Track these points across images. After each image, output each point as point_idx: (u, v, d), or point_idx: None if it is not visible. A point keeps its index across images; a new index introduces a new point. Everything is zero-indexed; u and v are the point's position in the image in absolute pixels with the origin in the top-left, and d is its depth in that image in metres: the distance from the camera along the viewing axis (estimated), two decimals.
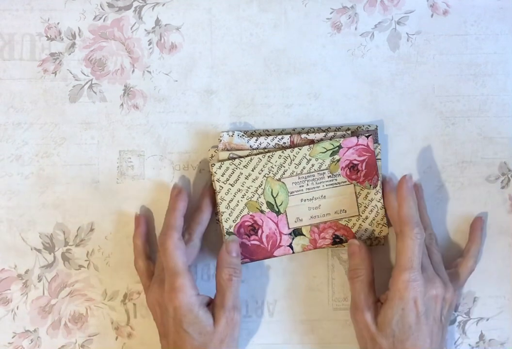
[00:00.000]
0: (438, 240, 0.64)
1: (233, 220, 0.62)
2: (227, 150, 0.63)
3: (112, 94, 0.65)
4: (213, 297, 0.60)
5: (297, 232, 0.62)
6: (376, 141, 0.64)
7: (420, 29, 0.65)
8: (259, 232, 0.62)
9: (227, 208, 0.62)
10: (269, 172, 0.62)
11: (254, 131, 0.64)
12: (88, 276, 0.65)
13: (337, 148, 0.62)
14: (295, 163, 0.62)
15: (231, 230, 0.62)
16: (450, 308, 0.60)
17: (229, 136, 0.63)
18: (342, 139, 0.62)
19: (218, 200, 0.62)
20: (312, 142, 0.63)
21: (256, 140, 0.63)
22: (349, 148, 0.62)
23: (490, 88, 0.65)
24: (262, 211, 0.62)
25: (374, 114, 0.65)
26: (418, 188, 0.64)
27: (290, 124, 0.65)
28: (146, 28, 0.65)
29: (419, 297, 0.56)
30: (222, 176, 0.62)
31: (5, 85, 0.65)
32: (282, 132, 0.65)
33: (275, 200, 0.62)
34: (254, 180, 0.62)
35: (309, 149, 0.62)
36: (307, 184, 0.62)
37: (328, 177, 0.62)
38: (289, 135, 0.63)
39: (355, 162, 0.62)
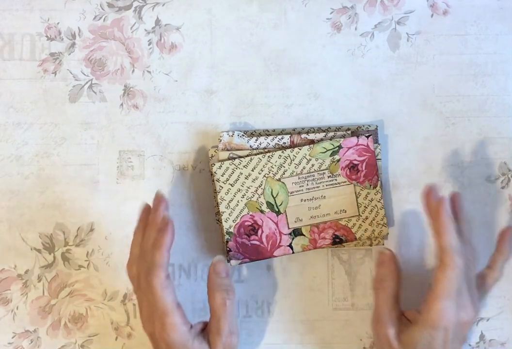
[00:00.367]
0: None
1: (233, 220, 0.62)
2: (227, 150, 0.63)
3: (112, 94, 0.65)
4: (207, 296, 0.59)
5: (297, 232, 0.62)
6: (376, 141, 0.64)
7: (420, 29, 0.65)
8: (259, 232, 0.62)
9: (227, 208, 0.62)
10: (269, 172, 0.62)
11: (254, 131, 0.64)
12: (88, 276, 0.65)
13: (337, 148, 0.62)
14: (295, 163, 0.62)
15: (231, 230, 0.62)
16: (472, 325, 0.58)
17: (229, 136, 0.63)
18: (342, 139, 0.62)
19: (218, 200, 0.62)
20: (312, 142, 0.63)
21: (256, 140, 0.63)
22: (349, 148, 0.62)
23: (490, 88, 0.65)
24: (262, 211, 0.62)
25: (374, 114, 0.65)
26: (456, 198, 0.60)
27: (290, 124, 0.65)
28: (146, 28, 0.65)
29: (450, 327, 0.53)
30: (222, 176, 0.62)
31: (5, 85, 0.65)
32: (282, 132, 0.65)
33: (275, 200, 0.62)
34: (254, 180, 0.62)
35: (309, 149, 0.62)
36: (307, 184, 0.62)
37: (328, 177, 0.62)
38: (289, 135, 0.63)
39: (355, 162, 0.62)
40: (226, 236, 0.62)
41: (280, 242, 0.62)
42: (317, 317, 0.65)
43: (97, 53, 0.65)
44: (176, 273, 0.65)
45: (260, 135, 0.64)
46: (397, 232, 0.65)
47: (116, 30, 0.65)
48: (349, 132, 0.63)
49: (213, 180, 0.63)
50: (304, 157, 0.62)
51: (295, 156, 0.62)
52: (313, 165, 0.62)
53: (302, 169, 0.62)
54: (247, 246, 0.62)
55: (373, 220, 0.63)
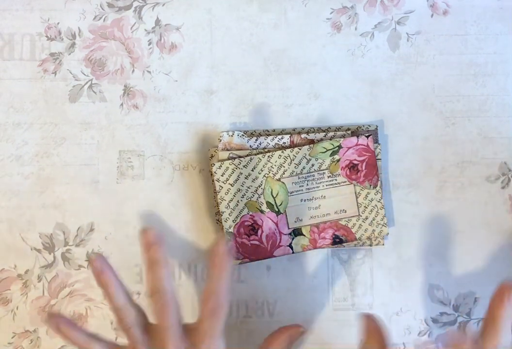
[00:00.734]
0: (438, 240, 0.64)
1: (233, 220, 0.62)
2: (227, 150, 0.63)
3: (112, 94, 0.65)
4: None
5: (297, 232, 0.62)
6: (376, 141, 0.64)
7: (420, 29, 0.65)
8: (259, 232, 0.62)
9: (226, 208, 0.62)
10: (269, 172, 0.62)
11: (254, 131, 0.64)
12: (88, 276, 0.65)
13: (337, 148, 0.62)
14: (295, 163, 0.62)
15: (231, 230, 0.62)
16: None
17: (229, 136, 0.63)
18: (342, 139, 0.62)
19: (218, 200, 0.62)
20: (312, 142, 0.63)
21: (256, 140, 0.63)
22: (349, 148, 0.62)
23: (490, 88, 0.65)
24: (262, 211, 0.62)
25: (374, 114, 0.65)
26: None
27: (290, 124, 0.65)
28: (146, 28, 0.65)
29: None
30: (222, 176, 0.62)
31: (5, 85, 0.65)
32: (282, 132, 0.65)
33: (275, 200, 0.62)
34: (254, 180, 0.62)
35: (309, 149, 0.62)
36: (307, 184, 0.62)
37: (328, 177, 0.62)
38: (289, 135, 0.63)
39: (355, 162, 0.62)
40: (226, 236, 0.62)
41: (280, 242, 0.62)
42: (317, 317, 0.65)
43: (97, 53, 0.65)
44: (176, 273, 0.65)
45: (260, 135, 0.64)
46: (397, 232, 0.65)
47: (116, 30, 0.65)
48: (349, 132, 0.63)
49: (213, 180, 0.63)
50: (304, 157, 0.62)
51: (295, 156, 0.62)
52: (313, 165, 0.62)
53: (302, 169, 0.62)
54: (247, 246, 0.62)
55: (373, 220, 0.63)
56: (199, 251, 0.65)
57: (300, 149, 0.62)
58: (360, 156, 0.62)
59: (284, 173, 0.62)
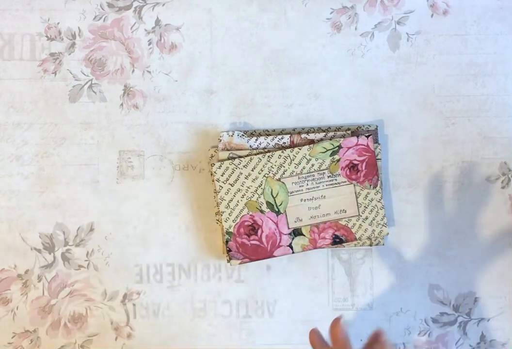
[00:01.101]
0: (438, 240, 0.64)
1: (233, 220, 0.62)
2: (227, 150, 0.63)
3: (112, 94, 0.65)
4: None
5: (297, 232, 0.62)
6: (376, 141, 0.64)
7: (420, 29, 0.65)
8: (259, 232, 0.62)
9: (226, 207, 0.62)
10: (269, 172, 0.62)
11: (254, 131, 0.64)
12: (88, 276, 0.65)
13: (337, 148, 0.62)
14: (295, 163, 0.62)
15: (231, 230, 0.62)
16: None
17: (229, 136, 0.63)
18: (342, 139, 0.62)
19: (218, 200, 0.62)
20: (312, 142, 0.63)
21: (256, 140, 0.63)
22: (349, 148, 0.62)
23: (490, 88, 0.65)
24: (262, 211, 0.62)
25: (374, 114, 0.65)
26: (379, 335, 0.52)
27: (290, 124, 0.65)
28: (146, 28, 0.65)
29: None
30: (222, 175, 0.62)
31: (5, 85, 0.65)
32: (282, 132, 0.65)
33: (275, 200, 0.62)
34: (254, 180, 0.62)
35: (309, 149, 0.62)
36: (307, 184, 0.62)
37: (328, 177, 0.62)
38: (289, 135, 0.63)
39: (355, 162, 0.62)
40: (226, 236, 0.62)
41: (280, 242, 0.62)
42: (317, 317, 0.65)
43: (97, 53, 0.65)
44: (176, 273, 0.65)
45: (260, 135, 0.64)
46: (397, 232, 0.65)
47: (116, 30, 0.65)
48: (349, 132, 0.63)
49: (213, 180, 0.63)
50: (304, 157, 0.62)
51: (295, 156, 0.62)
52: (313, 165, 0.62)
53: (302, 169, 0.62)
54: (247, 246, 0.62)
55: (373, 220, 0.63)
56: (199, 251, 0.65)
57: (300, 149, 0.62)
58: (360, 156, 0.62)
59: (284, 173, 0.62)
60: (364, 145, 0.62)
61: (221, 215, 0.62)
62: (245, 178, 0.62)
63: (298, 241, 0.62)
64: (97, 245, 0.65)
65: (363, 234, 0.63)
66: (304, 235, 0.62)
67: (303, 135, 0.63)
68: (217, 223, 0.64)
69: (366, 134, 0.62)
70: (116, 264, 0.65)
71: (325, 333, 0.63)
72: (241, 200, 0.62)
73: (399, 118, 0.65)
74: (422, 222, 0.65)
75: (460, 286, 0.65)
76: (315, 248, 0.63)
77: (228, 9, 0.65)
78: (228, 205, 0.62)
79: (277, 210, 0.62)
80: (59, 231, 0.65)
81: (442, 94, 0.65)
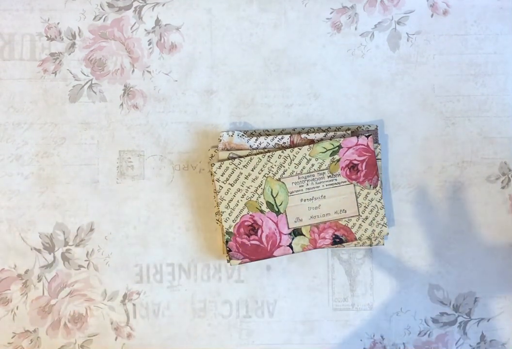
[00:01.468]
0: (438, 240, 0.64)
1: (233, 220, 0.62)
2: (227, 150, 0.63)
3: (112, 94, 0.65)
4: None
5: (297, 232, 0.62)
6: (376, 141, 0.64)
7: (420, 29, 0.65)
8: (259, 232, 0.62)
9: (226, 207, 0.62)
10: (269, 172, 0.62)
11: (254, 131, 0.64)
12: (88, 276, 0.65)
13: (337, 148, 0.62)
14: (295, 163, 0.62)
15: (231, 230, 0.62)
16: None
17: (229, 136, 0.63)
18: (342, 139, 0.62)
19: (218, 200, 0.62)
20: (312, 142, 0.63)
21: (256, 140, 0.63)
22: (349, 148, 0.62)
23: (490, 88, 0.65)
24: (262, 211, 0.62)
25: (374, 114, 0.65)
26: None
27: (290, 124, 0.65)
28: (146, 28, 0.65)
29: None
30: (222, 175, 0.62)
31: (5, 85, 0.65)
32: (282, 132, 0.65)
33: (275, 200, 0.62)
34: (254, 180, 0.62)
35: (309, 149, 0.62)
36: (307, 184, 0.62)
37: (328, 177, 0.62)
38: (289, 135, 0.63)
39: (355, 162, 0.62)
40: (226, 236, 0.62)
41: (280, 242, 0.62)
42: (317, 317, 0.65)
43: (97, 53, 0.65)
44: (176, 273, 0.65)
45: (260, 135, 0.64)
46: (397, 232, 0.65)
47: (116, 30, 0.65)
48: (349, 132, 0.63)
49: (213, 180, 0.63)
50: (304, 157, 0.62)
51: (295, 156, 0.62)
52: (313, 165, 0.62)
53: (302, 169, 0.62)
54: (247, 246, 0.62)
55: (373, 220, 0.63)
56: (199, 251, 0.65)
57: (300, 149, 0.62)
58: (360, 156, 0.62)
59: (284, 173, 0.62)
60: (364, 145, 0.62)
61: (221, 215, 0.62)
62: (245, 178, 0.62)
63: (298, 241, 0.62)
64: (97, 245, 0.65)
65: (363, 234, 0.63)
66: (304, 235, 0.62)
67: (303, 135, 0.63)
68: (217, 223, 0.64)
69: (366, 134, 0.62)
70: (116, 264, 0.65)
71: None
72: (241, 200, 0.62)
73: (399, 118, 0.65)
74: (422, 222, 0.65)
75: (460, 286, 0.65)
76: (315, 248, 0.63)
77: (228, 9, 0.65)
78: (228, 205, 0.62)
79: (277, 210, 0.62)
80: (59, 231, 0.65)
81: (442, 94, 0.65)
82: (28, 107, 0.65)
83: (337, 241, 0.63)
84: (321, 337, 0.65)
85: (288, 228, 0.62)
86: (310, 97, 0.65)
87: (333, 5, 0.65)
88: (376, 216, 0.63)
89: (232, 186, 0.62)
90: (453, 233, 0.65)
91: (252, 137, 0.63)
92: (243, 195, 0.62)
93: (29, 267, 0.65)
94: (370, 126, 0.64)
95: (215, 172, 0.62)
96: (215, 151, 0.63)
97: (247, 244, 0.62)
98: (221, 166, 0.62)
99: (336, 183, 0.62)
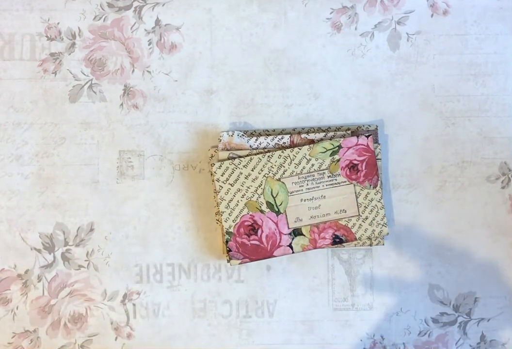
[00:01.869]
0: (438, 240, 0.64)
1: (233, 220, 0.62)
2: (227, 150, 0.63)
3: (112, 94, 0.65)
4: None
5: (297, 232, 0.62)
6: (376, 141, 0.64)
7: (420, 29, 0.65)
8: (259, 232, 0.62)
9: (226, 207, 0.62)
10: (269, 172, 0.62)
11: (254, 131, 0.64)
12: (88, 276, 0.65)
13: (337, 148, 0.62)
14: (295, 163, 0.62)
15: (231, 230, 0.62)
16: None
17: (229, 136, 0.63)
18: (342, 139, 0.62)
19: (218, 200, 0.62)
20: (312, 142, 0.63)
21: (256, 140, 0.63)
22: (349, 148, 0.62)
23: (490, 88, 0.65)
24: (262, 211, 0.62)
25: (374, 114, 0.65)
26: None
27: (290, 124, 0.65)
28: (146, 28, 0.65)
29: None
30: (222, 175, 0.62)
31: (5, 85, 0.65)
32: (282, 132, 0.65)
33: (275, 200, 0.62)
34: (254, 180, 0.62)
35: (309, 149, 0.62)
36: (307, 184, 0.62)
37: (328, 177, 0.62)
38: (289, 135, 0.63)
39: (355, 162, 0.62)
40: (226, 236, 0.62)
41: (280, 242, 0.62)
42: (317, 317, 0.65)
43: (97, 53, 0.65)
44: (176, 273, 0.65)
45: (260, 135, 0.64)
46: (397, 232, 0.65)
47: (116, 30, 0.65)
48: (349, 132, 0.63)
49: (213, 180, 0.63)
50: (304, 157, 0.62)
51: (295, 156, 0.62)
52: (313, 165, 0.62)
53: (302, 169, 0.62)
54: (247, 246, 0.62)
55: (373, 220, 0.63)
56: (199, 251, 0.65)
57: (300, 149, 0.62)
58: (360, 156, 0.62)
59: (284, 173, 0.62)
60: (364, 145, 0.62)
61: (221, 215, 0.62)
62: (245, 178, 0.62)
63: (298, 241, 0.62)
64: (97, 245, 0.65)
65: (363, 234, 0.63)
66: (304, 235, 0.62)
67: (303, 135, 0.63)
68: (217, 223, 0.64)
69: (366, 134, 0.62)
70: (116, 264, 0.65)
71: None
72: (241, 200, 0.62)
73: (399, 118, 0.65)
74: (422, 222, 0.65)
75: (460, 286, 0.65)
76: (315, 248, 0.63)
77: (228, 9, 0.65)
78: (228, 205, 0.62)
79: (277, 210, 0.62)
80: (59, 231, 0.65)
81: (442, 94, 0.65)
82: (28, 107, 0.65)
83: (337, 241, 0.63)
84: (321, 337, 0.65)
85: (288, 228, 0.62)
86: (310, 97, 0.65)
87: (333, 5, 0.65)
88: (376, 216, 0.63)
89: (232, 186, 0.62)
90: (453, 233, 0.65)
91: (252, 137, 0.63)
92: (243, 195, 0.62)
93: (29, 267, 0.65)
94: (370, 126, 0.64)
95: (215, 172, 0.62)
96: (215, 151, 0.63)
97: (247, 244, 0.62)
98: (221, 166, 0.62)
99: (336, 183, 0.62)
